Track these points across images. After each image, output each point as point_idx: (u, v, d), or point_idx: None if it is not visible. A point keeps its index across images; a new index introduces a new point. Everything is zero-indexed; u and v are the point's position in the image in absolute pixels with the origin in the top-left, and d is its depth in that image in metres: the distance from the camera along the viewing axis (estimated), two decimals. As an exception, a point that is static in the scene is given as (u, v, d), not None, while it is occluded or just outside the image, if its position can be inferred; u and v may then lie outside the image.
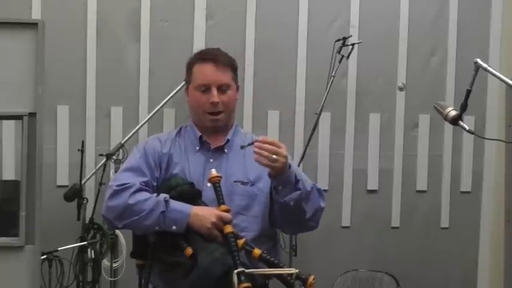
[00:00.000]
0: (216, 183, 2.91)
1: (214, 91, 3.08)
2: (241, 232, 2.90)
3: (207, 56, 3.17)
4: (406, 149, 4.79)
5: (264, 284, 3.04)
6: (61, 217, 4.24)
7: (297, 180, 2.92)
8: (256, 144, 2.86)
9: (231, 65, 3.19)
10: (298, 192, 2.91)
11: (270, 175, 2.93)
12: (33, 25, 2.63)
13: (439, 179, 4.84)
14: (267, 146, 2.84)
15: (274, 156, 2.83)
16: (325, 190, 4.53)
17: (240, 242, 2.82)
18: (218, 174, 2.91)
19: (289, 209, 2.94)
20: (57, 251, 3.89)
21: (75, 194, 4.05)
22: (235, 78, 3.22)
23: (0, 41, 2.63)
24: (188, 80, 3.21)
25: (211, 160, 3.09)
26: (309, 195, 2.96)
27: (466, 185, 4.86)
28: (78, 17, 4.47)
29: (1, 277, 2.64)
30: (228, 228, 2.82)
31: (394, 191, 4.79)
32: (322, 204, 3.07)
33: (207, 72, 3.11)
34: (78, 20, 4.47)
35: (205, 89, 3.10)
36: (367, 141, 4.76)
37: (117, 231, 4.09)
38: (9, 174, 4.36)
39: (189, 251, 2.80)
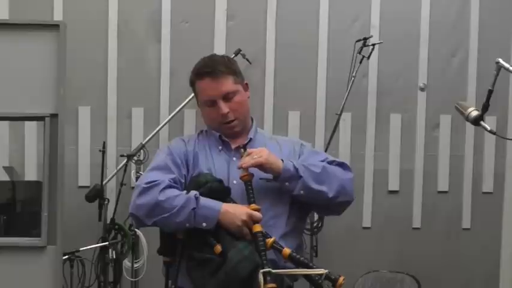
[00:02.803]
0: (247, 181, 2.92)
1: (221, 103, 3.05)
2: (269, 228, 2.90)
3: (202, 70, 3.11)
4: (427, 150, 4.78)
5: (290, 286, 3.03)
6: (82, 218, 4.27)
7: (296, 169, 2.91)
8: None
9: (228, 70, 3.11)
10: (300, 180, 2.91)
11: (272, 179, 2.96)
12: (54, 26, 2.65)
13: (461, 179, 4.82)
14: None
15: (253, 158, 2.90)
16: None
17: (269, 241, 2.81)
18: (250, 173, 2.92)
19: (304, 197, 2.95)
20: (78, 251, 3.90)
21: (96, 194, 4.07)
22: (238, 79, 3.15)
23: (22, 43, 2.66)
24: (196, 97, 3.21)
25: (235, 159, 3.08)
26: (320, 177, 2.94)
27: (487, 185, 4.84)
28: (100, 18, 4.50)
29: (24, 277, 2.66)
30: (257, 228, 2.82)
31: (415, 192, 4.77)
32: (348, 176, 3.04)
33: (206, 88, 3.07)
34: (100, 21, 4.50)
35: (211, 103, 3.08)
36: (388, 142, 4.75)
37: (138, 232, 4.11)
38: (31, 175, 4.39)
39: (218, 248, 2.79)
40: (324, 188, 2.94)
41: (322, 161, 3.04)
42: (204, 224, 2.83)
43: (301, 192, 2.92)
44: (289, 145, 3.17)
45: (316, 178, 2.93)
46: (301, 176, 2.91)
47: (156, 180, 2.91)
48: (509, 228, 4.85)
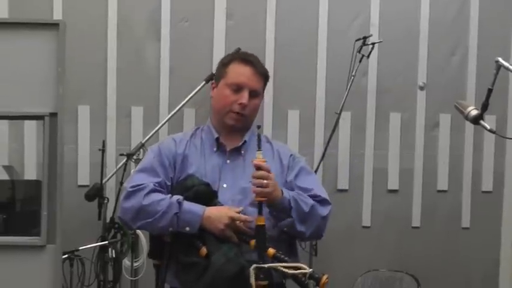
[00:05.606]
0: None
1: (246, 93, 3.12)
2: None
3: (247, 57, 3.22)
4: (426, 149, 4.77)
5: (281, 283, 3.04)
6: (82, 217, 4.25)
7: (290, 207, 2.95)
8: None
9: (265, 75, 3.26)
10: (290, 220, 2.97)
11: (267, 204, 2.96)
12: (54, 25, 2.65)
13: (460, 178, 4.81)
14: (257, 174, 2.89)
15: (265, 181, 2.86)
16: (345, 190, 4.58)
17: (253, 242, 2.83)
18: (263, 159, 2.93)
19: (285, 231, 3.02)
20: (78, 250, 3.89)
21: (96, 193, 4.06)
22: (264, 88, 3.29)
23: (21, 42, 2.65)
24: (219, 76, 3.22)
25: (228, 161, 3.10)
26: (306, 217, 3.00)
27: (487, 184, 4.83)
28: (99, 17, 4.48)
29: (23, 276, 2.66)
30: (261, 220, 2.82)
31: (415, 191, 4.77)
32: (324, 213, 3.08)
33: (244, 73, 3.14)
34: (99, 20, 4.49)
35: (238, 88, 3.11)
36: (387, 141, 4.74)
37: (138, 231, 4.10)
38: (31, 174, 4.38)
39: (203, 251, 2.82)
40: (303, 229, 3.01)
41: (310, 193, 3.06)
42: (187, 229, 2.87)
43: (285, 229, 3.01)
44: (282, 156, 3.19)
45: (302, 218, 2.99)
46: (291, 216, 2.96)
47: (141, 184, 2.95)
48: (508, 227, 4.85)
